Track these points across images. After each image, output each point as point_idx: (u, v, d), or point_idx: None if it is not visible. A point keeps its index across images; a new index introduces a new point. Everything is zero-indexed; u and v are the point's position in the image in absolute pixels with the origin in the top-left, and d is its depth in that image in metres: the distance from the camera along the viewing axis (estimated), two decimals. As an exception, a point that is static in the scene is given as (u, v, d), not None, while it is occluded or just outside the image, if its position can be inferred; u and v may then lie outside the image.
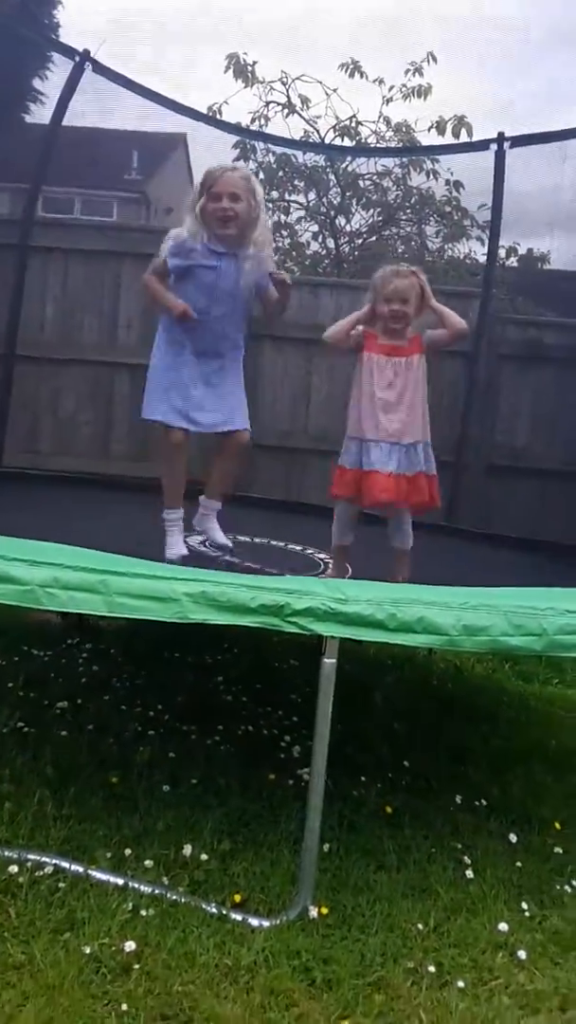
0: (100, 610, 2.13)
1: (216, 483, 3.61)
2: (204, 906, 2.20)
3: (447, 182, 8.32)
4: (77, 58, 5.09)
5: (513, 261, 8.62)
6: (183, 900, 2.20)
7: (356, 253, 9.02)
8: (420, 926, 2.25)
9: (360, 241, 9.12)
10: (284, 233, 8.92)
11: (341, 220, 8.82)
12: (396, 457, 3.26)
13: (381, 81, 8.41)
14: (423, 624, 2.22)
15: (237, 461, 3.66)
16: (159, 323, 3.40)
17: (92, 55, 5.16)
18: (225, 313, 3.30)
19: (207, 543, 3.70)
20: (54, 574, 2.14)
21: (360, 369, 3.35)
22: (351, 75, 8.14)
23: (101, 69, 5.18)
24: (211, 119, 6.55)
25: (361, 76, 8.21)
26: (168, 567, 2.31)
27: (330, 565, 3.61)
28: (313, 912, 2.21)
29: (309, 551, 4.02)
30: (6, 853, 2.26)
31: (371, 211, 8.83)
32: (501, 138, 5.86)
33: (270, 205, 8.95)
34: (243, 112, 8.87)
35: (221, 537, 3.60)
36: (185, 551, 3.43)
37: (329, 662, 2.22)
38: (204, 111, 6.79)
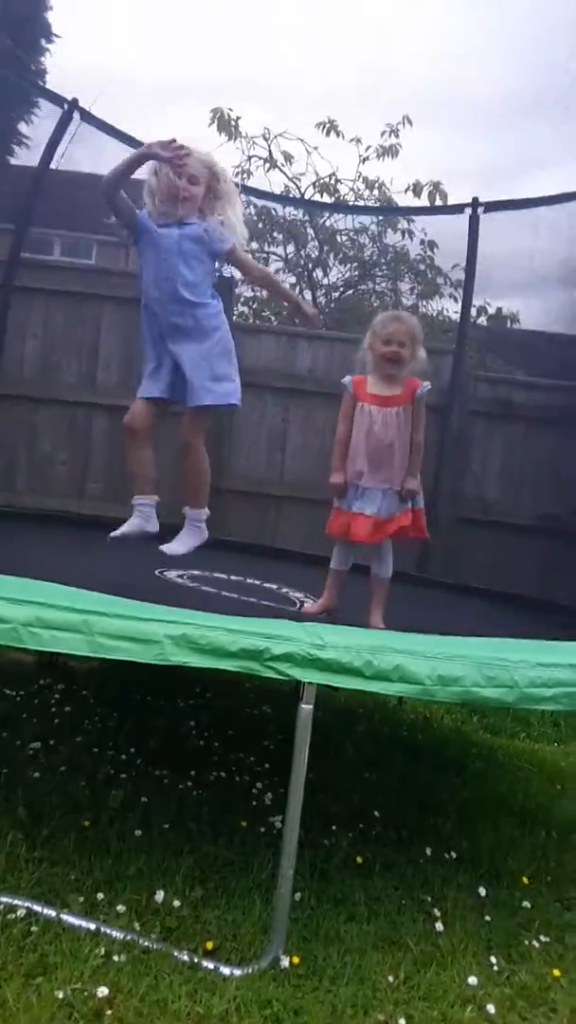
0: (82, 651, 2.14)
1: (186, 485, 3.51)
2: (176, 953, 2.18)
3: (422, 241, 8.58)
4: (66, 105, 5.21)
5: (483, 320, 8.86)
6: (155, 947, 2.19)
7: (332, 306, 9.20)
8: (390, 978, 2.26)
9: (337, 294, 9.31)
10: (261, 284, 9.08)
11: (319, 273, 9.01)
12: (383, 503, 3.39)
13: (358, 141, 8.68)
14: (399, 672, 2.26)
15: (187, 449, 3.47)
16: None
17: (80, 104, 5.29)
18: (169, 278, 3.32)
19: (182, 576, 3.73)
20: (36, 613, 2.15)
21: (355, 416, 3.46)
22: (327, 134, 8.39)
23: (89, 118, 5.30)
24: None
25: (337, 135, 8.46)
26: (149, 607, 2.33)
27: (325, 587, 3.67)
28: (284, 962, 2.21)
29: (284, 589, 4.05)
30: (-22, 895, 2.24)
31: (348, 266, 9.05)
32: (475, 203, 6.08)
33: (249, 255, 9.15)
34: (225, 165, 9.08)
35: (176, 547, 3.49)
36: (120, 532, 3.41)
37: (307, 708, 2.25)
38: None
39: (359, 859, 2.82)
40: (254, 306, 9.07)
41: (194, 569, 4.00)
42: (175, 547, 3.45)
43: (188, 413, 3.39)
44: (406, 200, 8.42)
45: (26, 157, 7.24)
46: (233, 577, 4.11)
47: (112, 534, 3.37)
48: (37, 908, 2.24)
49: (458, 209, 6.35)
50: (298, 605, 3.79)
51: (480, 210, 6.10)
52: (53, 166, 5.52)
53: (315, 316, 3.73)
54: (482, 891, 2.77)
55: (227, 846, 2.77)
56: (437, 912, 2.60)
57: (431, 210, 7.74)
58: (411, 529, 3.47)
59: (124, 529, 3.38)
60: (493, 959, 2.43)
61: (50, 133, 5.31)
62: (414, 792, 3.49)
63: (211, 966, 2.16)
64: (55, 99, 5.31)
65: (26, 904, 2.25)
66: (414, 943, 2.43)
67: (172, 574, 3.83)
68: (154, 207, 3.39)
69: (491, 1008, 2.20)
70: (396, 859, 2.89)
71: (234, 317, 7.21)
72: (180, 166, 3.26)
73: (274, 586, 4.09)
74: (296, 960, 2.23)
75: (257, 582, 4.13)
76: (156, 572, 3.76)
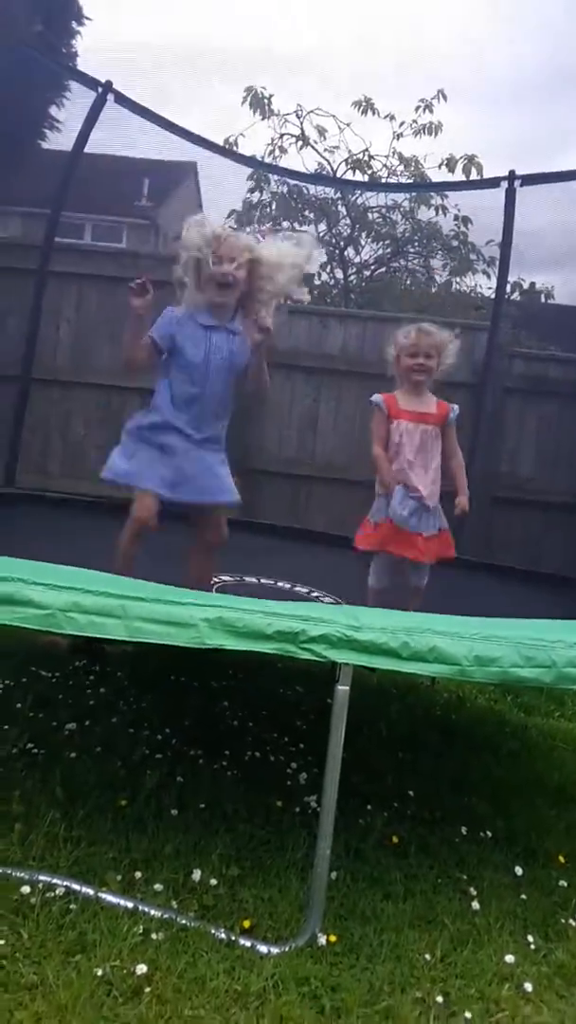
0: (119, 635, 2.15)
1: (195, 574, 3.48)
2: (213, 931, 2.21)
3: (456, 217, 8.46)
4: (99, 89, 5.19)
5: (517, 296, 8.75)
6: (193, 925, 2.21)
7: (364, 284, 9.14)
8: (427, 956, 2.26)
9: (368, 273, 9.24)
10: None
11: (350, 251, 8.94)
12: (426, 519, 3.41)
13: (392, 117, 8.58)
14: (435, 653, 2.25)
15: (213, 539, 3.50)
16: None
17: (113, 87, 5.27)
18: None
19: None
20: (74, 599, 2.17)
21: (389, 433, 3.48)
22: (364, 112, 8.30)
23: (122, 100, 5.28)
24: (229, 152, 6.69)
25: (373, 113, 8.37)
26: (184, 592, 2.34)
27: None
28: (322, 939, 2.22)
29: (315, 593, 4.04)
30: (19, 874, 2.28)
31: (380, 243, 8.97)
32: (512, 176, 5.97)
33: (280, 235, 9.09)
34: (259, 143, 9.05)
35: None
36: None
37: (343, 689, 2.25)
38: (220, 142, 6.90)
39: (394, 839, 2.82)
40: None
41: (223, 572, 4.00)
42: None
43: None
44: (440, 175, 8.32)
45: (57, 141, 7.24)
46: (263, 580, 4.11)
47: None
48: (76, 887, 2.27)
49: (494, 183, 6.23)
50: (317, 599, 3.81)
51: (517, 183, 5.98)
52: (86, 150, 5.51)
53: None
54: (518, 870, 2.76)
55: (262, 825, 2.79)
56: (473, 891, 2.60)
57: (467, 184, 7.63)
58: (448, 554, 3.51)
59: None
60: (530, 937, 2.42)
61: (83, 117, 5.28)
62: (448, 772, 3.49)
63: (248, 944, 2.18)
64: (88, 82, 5.28)
65: (65, 883, 2.28)
66: (450, 922, 2.44)
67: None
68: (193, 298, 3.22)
69: (528, 986, 2.20)
70: (431, 839, 2.89)
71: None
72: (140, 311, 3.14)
73: (304, 589, 4.09)
74: (333, 938, 2.24)
75: (287, 585, 4.13)
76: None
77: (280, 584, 4.15)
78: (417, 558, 3.48)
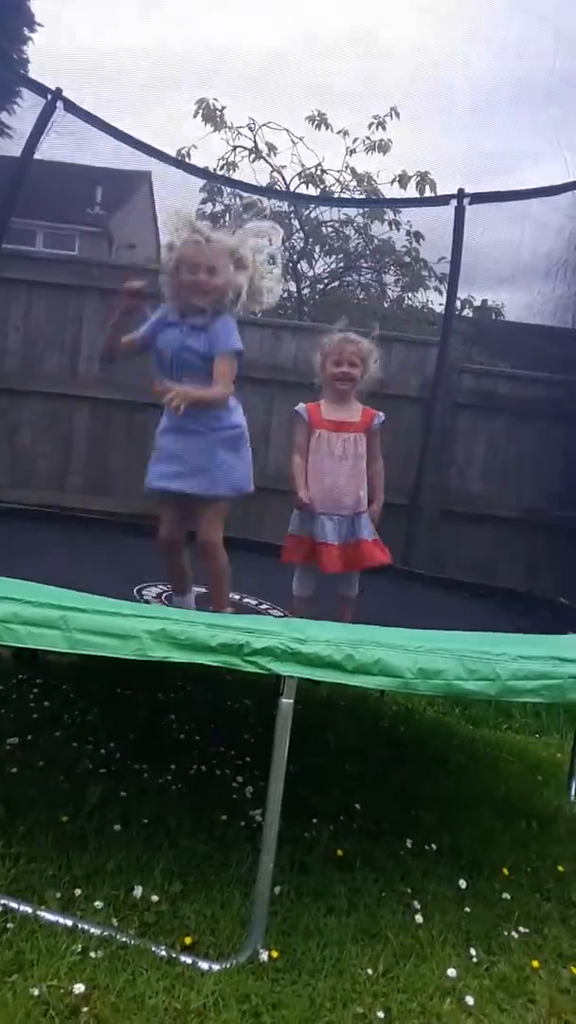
0: (60, 646, 2.12)
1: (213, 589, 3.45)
2: (154, 948, 2.17)
3: (408, 232, 8.56)
4: (49, 96, 5.16)
5: (468, 312, 8.86)
6: (133, 942, 2.18)
7: (317, 297, 9.18)
8: (369, 971, 2.25)
9: (321, 286, 9.29)
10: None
11: (304, 265, 8.99)
12: (342, 529, 3.39)
13: (345, 133, 8.66)
14: (380, 666, 2.25)
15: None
16: None
17: (63, 94, 5.24)
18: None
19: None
20: (13, 609, 2.13)
21: (308, 443, 3.47)
22: (317, 127, 8.37)
23: (72, 108, 5.25)
24: (181, 163, 6.68)
25: (327, 128, 8.44)
26: (128, 604, 2.31)
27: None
28: (264, 955, 2.20)
29: (264, 604, 4.02)
30: (-47, 892, 2.22)
31: (332, 257, 9.03)
32: (461, 194, 6.06)
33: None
34: (211, 156, 9.06)
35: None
36: None
37: (287, 702, 2.24)
38: (173, 153, 6.90)
39: (339, 852, 2.82)
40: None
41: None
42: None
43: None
44: (393, 191, 8.42)
45: (8, 148, 7.18)
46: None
47: None
48: (13, 905, 2.23)
49: (444, 200, 6.33)
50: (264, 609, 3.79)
51: (466, 201, 6.07)
52: (37, 156, 5.46)
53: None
54: (462, 883, 2.77)
55: (206, 840, 2.76)
56: (417, 904, 2.60)
57: (417, 201, 7.72)
58: (377, 563, 3.49)
59: None
60: (472, 951, 2.43)
61: (33, 123, 5.24)
62: (395, 784, 3.49)
63: (189, 961, 2.15)
64: (38, 89, 5.24)
65: (2, 901, 2.23)
66: (394, 935, 2.43)
67: (150, 593, 3.82)
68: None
69: (470, 1000, 2.20)
70: (376, 852, 2.88)
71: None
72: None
73: (253, 601, 4.07)
74: (275, 954, 2.22)
75: (236, 596, 4.10)
76: (135, 591, 3.74)
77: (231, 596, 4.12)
78: (326, 568, 3.46)
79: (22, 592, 2.22)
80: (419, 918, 2.53)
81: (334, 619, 3.30)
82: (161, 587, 3.92)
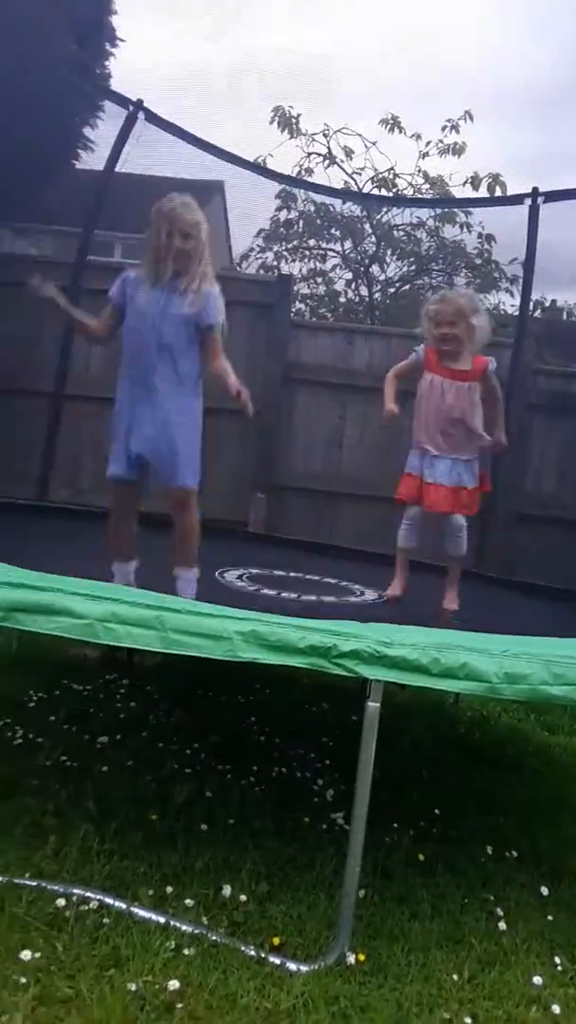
0: (155, 646, 2.19)
1: (176, 547, 3.35)
2: (243, 948, 2.23)
3: (480, 235, 8.50)
4: (131, 107, 5.28)
5: (539, 313, 8.76)
6: (223, 941, 2.24)
7: (388, 301, 9.19)
8: (455, 977, 2.27)
9: (393, 290, 9.29)
10: (319, 280, 9.12)
11: (375, 269, 9.00)
12: (453, 472, 3.49)
13: (418, 136, 8.64)
14: (466, 670, 2.27)
15: (182, 516, 3.33)
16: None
17: (144, 105, 5.35)
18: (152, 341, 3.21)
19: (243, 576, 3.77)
20: (111, 609, 2.22)
21: (422, 387, 3.59)
22: (390, 131, 8.37)
23: (153, 118, 5.36)
24: (260, 168, 6.75)
25: (399, 131, 8.44)
26: (218, 607, 2.38)
27: (396, 570, 3.77)
28: (350, 958, 2.24)
29: (344, 583, 4.06)
30: (53, 887, 2.31)
31: (404, 261, 9.02)
32: (535, 193, 6.00)
33: (307, 253, 9.19)
34: (287, 163, 9.14)
35: None
36: None
37: (373, 706, 2.27)
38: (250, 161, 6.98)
39: (421, 857, 2.84)
40: (311, 303, 9.10)
41: (253, 567, 4.04)
42: None
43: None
44: (465, 193, 8.38)
45: (89, 160, 7.35)
46: (292, 574, 4.14)
47: None
48: (109, 900, 2.31)
49: (517, 200, 6.27)
50: (360, 593, 3.81)
51: (540, 200, 6.01)
52: (117, 168, 5.59)
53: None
54: (544, 890, 2.77)
55: (290, 842, 2.81)
56: (500, 911, 2.61)
57: (489, 201, 7.67)
58: (474, 510, 3.63)
59: None
60: (557, 959, 2.43)
61: (115, 135, 5.37)
62: (473, 790, 3.50)
63: (278, 961, 2.20)
64: (121, 101, 5.37)
65: (98, 896, 2.31)
66: (478, 942, 2.45)
67: (232, 575, 3.88)
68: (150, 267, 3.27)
69: (556, 1008, 2.20)
70: (457, 857, 2.90)
71: (291, 315, 7.22)
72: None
73: (333, 580, 4.11)
74: (362, 957, 2.26)
75: (316, 578, 4.16)
76: (216, 574, 3.82)
77: (309, 576, 4.18)
78: (433, 507, 3.57)
79: (117, 592, 2.30)
80: (502, 925, 2.54)
81: (444, 586, 3.61)
82: (241, 569, 3.99)
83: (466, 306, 3.57)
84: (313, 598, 3.75)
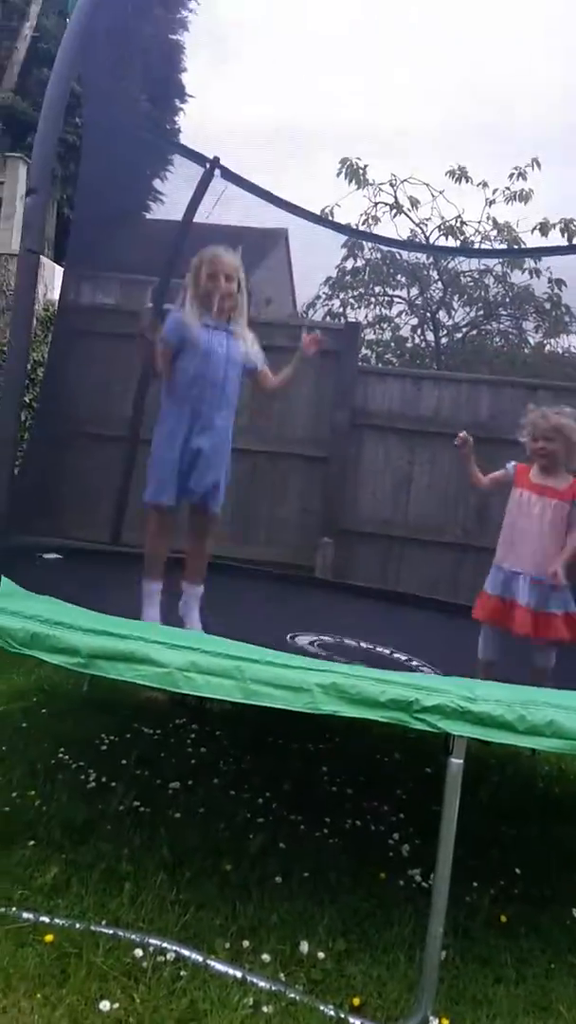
0: (235, 696, 2.18)
1: (189, 563, 3.66)
2: (322, 1007, 2.17)
3: (549, 279, 8.47)
4: (207, 164, 5.40)
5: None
6: (302, 999, 2.18)
7: (456, 346, 9.18)
8: (544, 1045, 2.18)
9: (460, 335, 9.29)
10: (385, 326, 9.17)
11: (442, 314, 9.01)
12: (539, 595, 3.35)
13: (485, 184, 8.68)
14: (553, 728, 2.20)
15: (205, 539, 3.68)
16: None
17: (220, 163, 5.48)
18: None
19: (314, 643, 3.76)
20: (191, 658, 2.22)
21: (511, 502, 3.50)
22: (457, 181, 8.42)
23: (228, 175, 5.48)
24: (323, 220, 6.84)
25: (466, 181, 8.49)
26: (296, 657, 2.36)
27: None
28: (434, 1023, 2.16)
29: (414, 661, 3.99)
30: (131, 936, 2.29)
31: (472, 306, 9.02)
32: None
33: (373, 300, 9.25)
34: (354, 213, 9.26)
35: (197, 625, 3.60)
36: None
37: (456, 762, 2.22)
38: (317, 212, 7.09)
39: (503, 918, 2.74)
40: (379, 349, 9.14)
41: (325, 635, 4.01)
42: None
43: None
44: (533, 240, 8.36)
45: (158, 211, 7.57)
46: (363, 645, 4.08)
47: None
48: (185, 952, 2.27)
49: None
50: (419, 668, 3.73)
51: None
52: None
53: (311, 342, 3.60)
54: None
55: (366, 898, 2.74)
56: (588, 978, 2.50)
57: (562, 250, 7.64)
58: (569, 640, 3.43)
59: None
60: None
61: (192, 190, 5.49)
62: (555, 848, 3.37)
63: (359, 1022, 2.13)
64: (196, 158, 5.50)
65: (175, 947, 2.28)
66: (566, 1009, 2.34)
67: (303, 640, 3.86)
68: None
69: None
70: (541, 919, 2.79)
71: (359, 362, 7.25)
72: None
73: (403, 657, 4.04)
74: (446, 1022, 2.17)
75: (386, 651, 4.09)
76: (288, 637, 3.80)
77: (379, 649, 4.11)
78: (516, 630, 3.41)
79: (197, 642, 2.30)
80: (591, 992, 2.42)
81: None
82: (313, 635, 3.96)
83: (566, 423, 3.49)
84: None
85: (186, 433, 3.43)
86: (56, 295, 6.95)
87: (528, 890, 2.97)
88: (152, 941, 2.28)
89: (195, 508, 3.59)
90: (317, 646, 3.80)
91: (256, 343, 3.56)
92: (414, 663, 3.95)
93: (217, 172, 5.39)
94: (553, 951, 2.62)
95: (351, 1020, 2.14)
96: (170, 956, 2.24)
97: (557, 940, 2.68)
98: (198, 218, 5.93)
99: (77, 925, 2.31)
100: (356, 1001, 2.22)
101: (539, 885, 3.01)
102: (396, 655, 4.01)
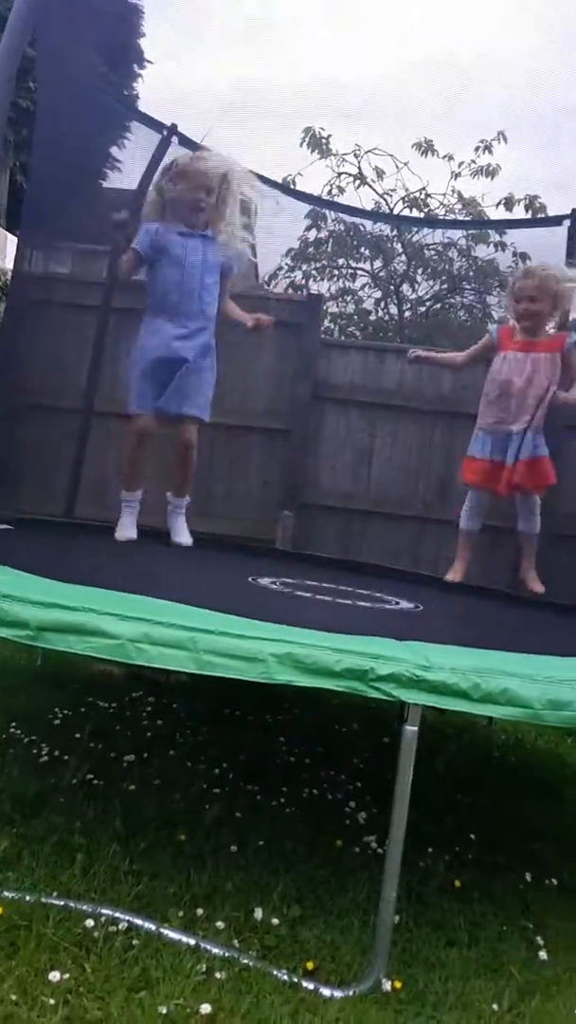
0: (188, 667, 2.15)
1: (175, 476, 3.85)
2: (276, 972, 2.16)
3: (513, 253, 8.45)
4: (164, 132, 5.29)
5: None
6: (255, 964, 2.17)
7: (419, 320, 9.16)
8: (495, 1006, 2.19)
9: (423, 309, 9.26)
10: (348, 299, 9.11)
11: (406, 287, 8.98)
12: (518, 447, 3.42)
13: (451, 157, 8.63)
14: (507, 696, 2.20)
15: (190, 450, 3.87)
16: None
17: (178, 130, 5.37)
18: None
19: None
20: (144, 629, 2.18)
21: (496, 363, 3.56)
22: (423, 153, 8.36)
23: (187, 143, 5.37)
24: (288, 188, 6.75)
25: (432, 153, 8.43)
26: (253, 624, 2.33)
27: (458, 551, 3.73)
28: (387, 985, 2.17)
29: (377, 593, 3.98)
30: (82, 907, 2.26)
31: (436, 280, 9.00)
32: (575, 214, 5.93)
33: (336, 272, 9.18)
34: (317, 183, 9.16)
35: (185, 538, 3.84)
36: (133, 535, 3.77)
37: (411, 730, 2.21)
38: (279, 181, 7.00)
39: (457, 883, 2.76)
40: (341, 321, 9.09)
41: (286, 577, 3.99)
42: (187, 538, 3.88)
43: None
44: (499, 214, 8.35)
45: (116, 180, 7.43)
46: (326, 584, 4.07)
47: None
48: (138, 921, 2.25)
49: (556, 221, 6.20)
50: (393, 603, 3.73)
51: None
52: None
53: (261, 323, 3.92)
54: (587, 920, 2.68)
55: (322, 865, 2.74)
56: (540, 940, 2.52)
57: (527, 223, 7.63)
58: (548, 481, 3.54)
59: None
60: (602, 991, 2.34)
61: (142, 157, 5.38)
62: (510, 815, 3.41)
63: (311, 987, 2.13)
64: (154, 124, 5.38)
65: (127, 917, 2.26)
66: (517, 971, 2.36)
67: (264, 580, 3.83)
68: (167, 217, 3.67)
69: (601, 1042, 2.12)
70: (495, 884, 2.82)
71: (321, 334, 7.20)
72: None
73: (366, 591, 4.03)
74: (398, 984, 2.18)
75: (349, 588, 4.08)
76: (249, 579, 3.77)
77: (343, 587, 4.09)
78: (499, 490, 3.51)
79: (148, 610, 2.26)
80: (543, 954, 2.45)
81: (518, 566, 3.65)
82: (273, 578, 3.94)
83: (550, 275, 3.51)
84: (348, 602, 3.66)
85: (161, 339, 3.55)
86: (9, 264, 6.81)
87: (482, 856, 3.00)
88: (104, 911, 2.26)
89: (177, 418, 3.69)
90: (279, 584, 3.77)
91: (235, 243, 3.65)
92: (377, 594, 3.94)
93: (175, 139, 5.26)
94: (505, 915, 2.65)
95: (304, 984, 2.14)
96: (122, 926, 2.22)
97: (509, 905, 2.71)
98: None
99: (27, 897, 2.28)
100: (310, 965, 2.22)
101: (493, 852, 3.04)
102: (360, 590, 3.99)
